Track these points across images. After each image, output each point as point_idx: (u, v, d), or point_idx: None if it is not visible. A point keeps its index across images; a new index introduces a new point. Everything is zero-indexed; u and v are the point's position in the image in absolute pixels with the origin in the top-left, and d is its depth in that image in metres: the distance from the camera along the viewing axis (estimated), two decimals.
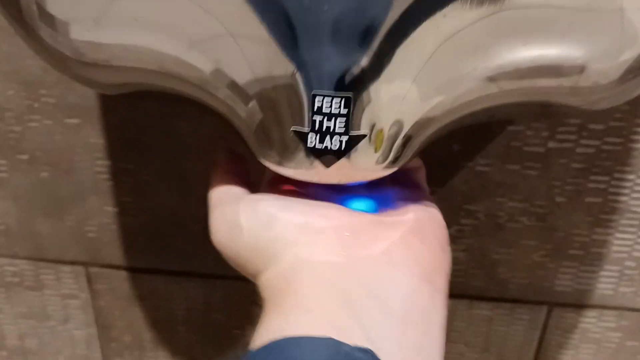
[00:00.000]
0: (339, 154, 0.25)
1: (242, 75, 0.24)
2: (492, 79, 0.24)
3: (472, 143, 0.41)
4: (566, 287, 0.46)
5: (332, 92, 0.23)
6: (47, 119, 0.43)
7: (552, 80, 0.26)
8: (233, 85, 0.25)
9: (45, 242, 0.48)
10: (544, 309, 0.47)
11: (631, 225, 0.43)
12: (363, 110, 0.24)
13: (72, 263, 0.49)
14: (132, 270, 0.49)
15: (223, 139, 0.35)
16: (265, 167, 0.32)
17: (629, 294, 0.45)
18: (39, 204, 0.46)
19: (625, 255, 0.44)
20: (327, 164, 0.25)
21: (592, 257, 0.44)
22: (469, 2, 0.22)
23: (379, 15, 0.22)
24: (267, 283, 0.26)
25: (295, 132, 0.25)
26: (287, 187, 0.29)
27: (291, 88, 0.24)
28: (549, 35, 0.24)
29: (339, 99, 0.23)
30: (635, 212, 0.42)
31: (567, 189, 0.42)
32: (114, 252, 0.48)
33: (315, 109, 0.24)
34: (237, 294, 0.49)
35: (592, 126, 0.40)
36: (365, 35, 0.23)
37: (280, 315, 0.24)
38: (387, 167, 0.26)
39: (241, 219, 0.27)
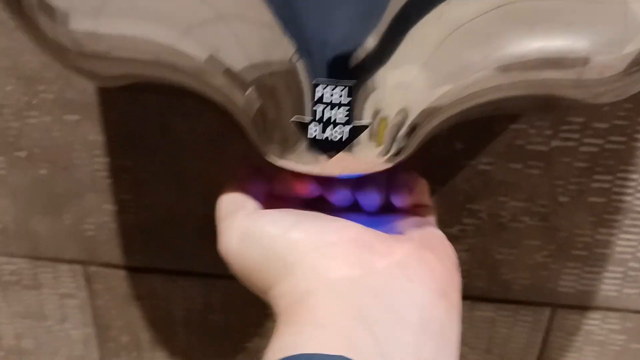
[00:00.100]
0: (341, 145, 0.24)
1: (238, 61, 0.24)
2: (501, 68, 0.24)
3: (475, 141, 0.40)
4: (569, 288, 0.45)
5: (334, 81, 0.23)
6: (46, 115, 0.42)
7: (557, 71, 0.25)
8: (229, 73, 0.24)
9: (42, 241, 0.48)
10: (547, 311, 0.46)
11: (635, 226, 0.42)
12: (366, 99, 0.23)
13: (70, 262, 0.48)
14: (131, 269, 0.48)
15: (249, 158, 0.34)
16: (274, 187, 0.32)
17: (633, 296, 0.45)
18: (36, 201, 0.46)
19: (629, 256, 0.44)
20: (329, 155, 0.25)
21: (595, 257, 0.44)
22: None
23: None
24: (280, 296, 0.25)
25: (296, 122, 0.24)
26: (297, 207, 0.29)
27: (290, 75, 0.23)
28: (554, 26, 0.24)
29: (341, 87, 0.23)
30: (639, 212, 0.42)
31: (570, 189, 0.41)
32: (112, 251, 0.47)
33: (316, 99, 0.23)
34: (236, 294, 0.48)
35: (596, 124, 0.39)
36: (373, 15, 0.22)
37: (294, 330, 0.23)
38: (390, 159, 0.26)
39: (254, 229, 0.26)
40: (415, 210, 0.33)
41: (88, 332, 0.52)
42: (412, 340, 0.23)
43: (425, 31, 0.22)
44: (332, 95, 0.23)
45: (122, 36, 0.25)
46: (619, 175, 0.41)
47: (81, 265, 0.48)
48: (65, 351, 0.53)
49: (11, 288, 0.50)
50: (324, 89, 0.23)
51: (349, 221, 0.27)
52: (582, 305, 0.46)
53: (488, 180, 0.42)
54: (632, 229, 0.42)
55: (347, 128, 0.24)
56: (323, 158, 0.25)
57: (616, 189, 0.41)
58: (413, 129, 0.25)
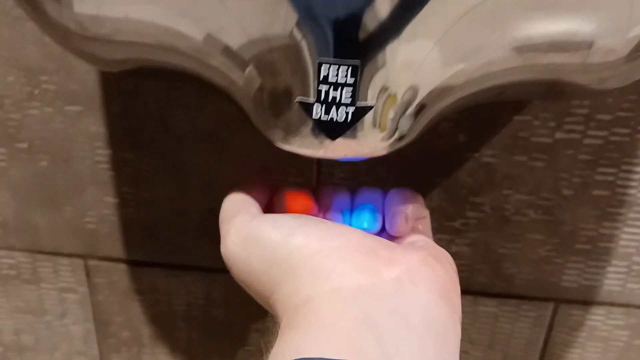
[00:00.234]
0: (345, 126, 0.24)
1: (236, 38, 0.23)
2: (515, 50, 0.24)
3: (478, 133, 0.40)
4: (573, 283, 0.45)
5: (338, 60, 0.23)
6: (47, 107, 0.42)
7: (562, 55, 0.25)
8: (227, 51, 0.24)
9: (42, 234, 0.47)
10: (550, 306, 0.46)
11: (639, 219, 0.42)
12: (373, 78, 0.23)
13: (70, 256, 0.48)
14: (131, 263, 0.48)
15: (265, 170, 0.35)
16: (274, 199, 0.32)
17: (637, 291, 0.45)
18: (37, 194, 0.46)
19: (633, 250, 0.43)
20: (333, 137, 0.24)
21: (599, 251, 0.43)
22: None
23: None
24: (283, 300, 0.25)
25: (300, 103, 0.24)
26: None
27: (292, 52, 0.23)
28: (560, 8, 0.24)
29: (346, 67, 0.23)
30: None
31: (574, 182, 0.41)
32: (113, 245, 0.47)
33: (321, 78, 0.23)
34: (238, 289, 0.48)
35: (600, 116, 0.39)
36: None
37: (298, 334, 0.23)
38: (393, 143, 0.26)
39: (257, 232, 0.26)
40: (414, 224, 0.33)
41: (88, 328, 0.52)
42: (416, 343, 0.23)
43: (442, 6, 0.22)
44: (337, 74, 0.23)
45: (123, 18, 0.25)
46: (623, 167, 0.40)
47: (81, 259, 0.48)
48: (65, 347, 0.53)
49: (10, 282, 0.50)
50: (328, 68, 0.23)
51: (351, 227, 0.27)
52: (586, 300, 0.45)
53: (492, 173, 0.41)
54: (636, 223, 0.42)
55: (352, 109, 0.24)
56: (327, 140, 0.25)
57: (620, 182, 0.41)
58: (420, 109, 0.25)
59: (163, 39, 0.25)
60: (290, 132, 0.25)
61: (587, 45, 0.25)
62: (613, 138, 0.40)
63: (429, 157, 0.41)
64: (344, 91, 0.23)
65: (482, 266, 0.45)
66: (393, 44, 0.23)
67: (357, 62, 0.23)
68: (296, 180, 0.43)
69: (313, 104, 0.24)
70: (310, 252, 0.25)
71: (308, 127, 0.24)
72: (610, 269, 0.44)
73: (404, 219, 0.30)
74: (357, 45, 0.22)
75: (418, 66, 0.23)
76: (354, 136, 0.25)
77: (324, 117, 0.24)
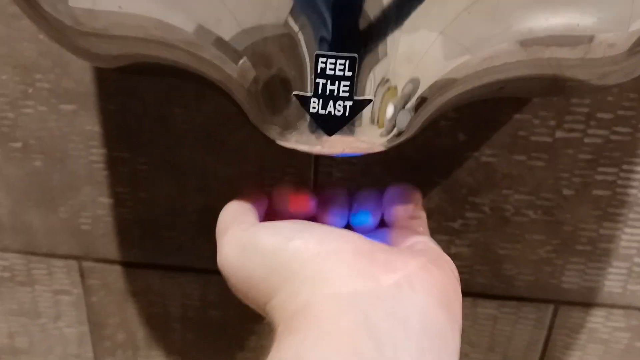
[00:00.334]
0: (343, 120, 0.24)
1: (228, 29, 0.23)
2: (519, 43, 0.23)
3: (478, 132, 0.40)
4: (573, 284, 0.44)
5: (336, 53, 0.22)
6: (42, 105, 0.42)
7: (563, 49, 0.25)
8: (220, 43, 0.23)
9: (37, 235, 0.47)
10: (551, 308, 0.45)
11: None
12: (371, 70, 0.23)
13: (64, 257, 0.47)
14: (126, 264, 0.47)
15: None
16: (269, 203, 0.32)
17: (638, 292, 0.44)
18: (31, 194, 0.45)
19: (634, 251, 0.43)
20: (330, 132, 0.24)
21: (600, 252, 0.43)
22: None
23: None
24: (280, 306, 0.25)
25: (296, 96, 0.23)
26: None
27: (288, 43, 0.22)
28: (561, 1, 0.23)
29: (343, 59, 0.22)
30: None
31: (575, 181, 0.41)
32: (108, 246, 0.47)
33: (318, 71, 0.23)
34: None
35: (601, 115, 0.39)
36: None
37: (297, 338, 0.23)
38: (393, 138, 0.25)
39: (254, 241, 0.26)
40: (408, 222, 0.32)
41: (83, 330, 0.51)
42: (415, 348, 0.22)
43: None
44: (334, 67, 0.22)
45: (116, 12, 0.25)
46: (624, 167, 0.40)
47: (76, 261, 0.48)
48: (59, 350, 0.52)
49: (5, 284, 0.49)
50: (326, 60, 0.22)
51: (348, 231, 0.26)
52: (586, 302, 0.45)
53: (491, 172, 0.41)
54: (637, 223, 0.42)
55: (349, 103, 0.23)
56: (324, 135, 0.24)
57: (621, 182, 0.41)
58: (420, 103, 0.24)
59: (155, 32, 0.24)
60: (287, 127, 0.25)
61: (588, 39, 0.24)
62: (614, 137, 0.39)
63: (428, 157, 0.41)
64: (341, 84, 0.23)
65: (481, 267, 0.45)
66: (394, 35, 0.22)
67: (357, 52, 0.22)
68: (294, 180, 0.42)
69: (310, 97, 0.23)
70: (309, 256, 0.25)
71: (305, 122, 0.24)
72: (611, 270, 0.44)
73: (401, 203, 0.31)
74: (357, 37, 0.22)
75: (419, 58, 0.23)
76: (351, 131, 0.24)
77: (321, 111, 0.23)
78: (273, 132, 0.25)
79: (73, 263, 0.48)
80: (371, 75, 0.23)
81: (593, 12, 0.24)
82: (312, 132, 0.24)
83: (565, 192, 0.41)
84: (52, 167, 0.44)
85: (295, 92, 0.23)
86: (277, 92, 0.24)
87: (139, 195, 0.44)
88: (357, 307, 0.23)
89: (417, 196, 0.33)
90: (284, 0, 0.21)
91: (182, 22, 0.23)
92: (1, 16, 0.39)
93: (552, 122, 0.39)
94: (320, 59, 0.22)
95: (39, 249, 0.47)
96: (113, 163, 0.43)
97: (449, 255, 0.44)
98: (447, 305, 0.25)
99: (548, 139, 0.40)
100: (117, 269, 0.48)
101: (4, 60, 0.40)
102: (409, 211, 0.32)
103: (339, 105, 0.23)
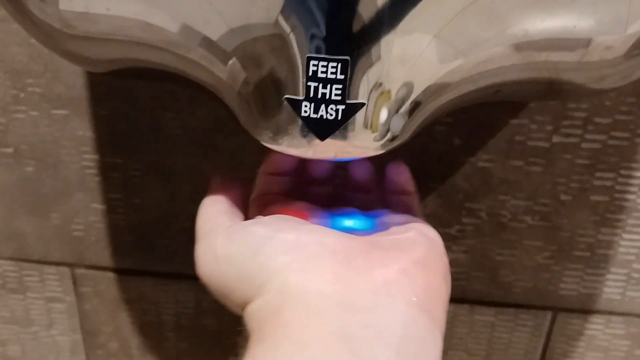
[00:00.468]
0: (336, 124, 0.23)
1: (215, 28, 0.22)
2: (513, 47, 0.23)
3: (474, 137, 0.39)
4: (571, 291, 0.44)
5: (327, 56, 0.22)
6: (33, 110, 0.41)
7: (560, 53, 0.24)
8: (207, 43, 0.23)
9: (29, 242, 0.46)
10: (549, 315, 0.45)
11: (639, 225, 0.41)
12: (364, 73, 0.22)
13: (56, 264, 0.47)
14: (120, 271, 0.47)
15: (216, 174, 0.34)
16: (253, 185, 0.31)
17: (637, 299, 0.44)
18: (23, 200, 0.45)
19: (633, 257, 0.42)
20: (322, 136, 0.23)
21: (598, 259, 0.43)
22: None
23: None
24: (253, 312, 0.24)
25: (287, 100, 0.23)
26: (278, 209, 0.28)
27: (277, 42, 0.22)
28: (557, 4, 0.23)
29: (336, 62, 0.22)
30: None
31: (572, 187, 0.40)
32: (101, 253, 0.46)
33: (310, 74, 0.22)
34: None
35: (598, 120, 0.38)
36: None
37: (269, 348, 0.22)
38: (387, 143, 0.25)
39: (227, 247, 0.26)
40: (400, 198, 0.32)
41: (76, 339, 0.50)
42: (393, 356, 0.22)
43: (441, 0, 0.21)
44: (326, 70, 0.22)
45: (105, 14, 0.24)
46: (622, 172, 0.40)
47: (68, 268, 0.47)
48: (52, 359, 0.52)
49: None
50: (317, 63, 0.22)
51: (328, 231, 0.25)
52: (585, 309, 0.44)
53: (488, 178, 0.41)
54: (636, 229, 0.41)
55: (342, 107, 0.23)
56: (316, 139, 0.24)
57: (619, 187, 0.40)
58: (415, 107, 0.24)
59: (142, 34, 0.24)
60: (278, 131, 0.24)
61: (584, 42, 0.24)
62: (612, 142, 0.39)
63: (424, 162, 0.40)
64: (333, 88, 0.22)
65: (478, 274, 0.44)
66: (388, 37, 0.22)
67: (347, 57, 0.22)
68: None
69: (302, 101, 0.23)
70: (279, 265, 0.24)
71: (297, 126, 0.23)
72: (609, 276, 0.43)
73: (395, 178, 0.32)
74: (349, 39, 0.22)
75: (413, 62, 0.22)
76: (344, 136, 0.24)
77: (312, 115, 0.23)
78: (264, 137, 0.25)
79: (65, 270, 0.47)
80: (364, 78, 0.22)
81: (590, 14, 0.23)
82: (304, 136, 0.24)
83: (563, 197, 0.41)
84: (44, 173, 0.43)
85: (286, 96, 0.23)
86: (268, 94, 0.23)
87: (132, 202, 0.44)
88: (330, 316, 0.22)
89: (405, 167, 0.33)
90: None
91: (168, 22, 0.23)
92: None
93: (549, 127, 0.39)
94: (312, 62, 0.22)
95: (31, 256, 0.47)
96: (105, 169, 0.43)
97: None
98: (430, 310, 0.24)
99: (545, 144, 0.39)
100: (110, 276, 0.47)
101: None
102: (402, 185, 0.32)
103: (331, 109, 0.23)
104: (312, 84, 0.22)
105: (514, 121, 0.39)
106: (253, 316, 0.24)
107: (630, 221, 0.41)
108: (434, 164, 0.40)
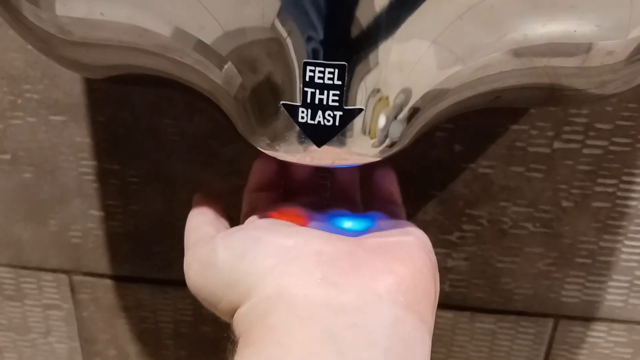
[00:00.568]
0: (333, 131, 0.23)
1: (209, 31, 0.22)
2: (512, 52, 0.23)
3: (474, 143, 0.39)
4: (573, 298, 0.43)
5: (324, 62, 0.21)
6: (31, 117, 0.41)
7: (560, 58, 0.24)
8: (201, 46, 0.23)
9: (26, 248, 0.46)
10: (550, 322, 0.44)
11: None
12: (362, 79, 0.22)
13: (54, 271, 0.47)
14: (118, 278, 0.46)
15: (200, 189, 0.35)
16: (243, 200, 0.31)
17: (639, 307, 0.43)
18: (20, 207, 0.44)
19: (635, 264, 0.42)
20: (320, 143, 0.23)
21: (600, 266, 0.42)
22: None
23: None
24: (240, 317, 0.24)
25: (284, 105, 0.23)
26: (267, 212, 0.28)
27: (274, 46, 0.21)
28: (557, 9, 0.23)
29: (333, 68, 0.22)
30: None
31: (574, 193, 0.40)
32: (99, 260, 0.46)
33: (306, 79, 0.22)
34: None
35: (599, 125, 0.38)
36: None
37: (254, 352, 0.22)
38: (385, 149, 0.24)
39: (214, 256, 0.26)
40: (387, 207, 0.32)
41: (73, 346, 0.50)
42: (380, 357, 0.21)
43: (439, 5, 0.21)
44: (323, 76, 0.22)
45: (99, 20, 0.24)
46: (624, 178, 0.39)
47: (66, 275, 0.47)
48: None
49: None
50: (314, 68, 0.22)
51: (313, 232, 0.25)
52: (587, 316, 0.44)
53: (488, 184, 0.40)
54: (638, 236, 0.41)
55: (339, 113, 0.22)
56: (313, 146, 0.23)
57: (621, 194, 0.40)
58: (413, 113, 0.23)
59: (136, 39, 0.23)
60: (275, 138, 0.24)
61: (585, 47, 0.24)
62: (613, 148, 0.38)
63: (424, 168, 0.40)
64: (330, 94, 0.22)
65: (479, 281, 0.44)
66: (386, 43, 0.21)
67: (344, 63, 0.21)
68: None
69: (298, 107, 0.22)
70: (265, 270, 0.24)
71: (294, 133, 0.23)
72: (611, 283, 0.43)
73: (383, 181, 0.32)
74: (347, 45, 0.21)
75: (411, 68, 0.22)
76: (342, 142, 0.23)
77: (310, 121, 0.23)
78: (262, 143, 0.24)
79: (63, 277, 0.47)
80: (362, 84, 0.22)
81: (591, 19, 0.23)
82: (301, 142, 0.23)
83: (564, 204, 0.40)
84: (41, 180, 0.43)
85: (283, 101, 0.23)
86: (264, 100, 0.23)
87: (129, 208, 0.44)
88: (316, 318, 0.22)
89: (394, 178, 0.33)
90: (270, 1, 0.21)
91: (162, 26, 0.22)
92: None
93: (550, 133, 0.38)
94: (309, 67, 0.22)
95: (28, 263, 0.47)
96: (103, 175, 0.43)
97: (446, 269, 0.43)
98: (418, 309, 0.24)
99: (546, 150, 0.39)
100: (108, 283, 0.47)
101: None
102: (389, 192, 0.32)
103: (329, 115, 0.22)
104: (309, 90, 0.22)
105: (515, 127, 0.38)
106: (240, 321, 0.24)
107: (632, 228, 0.41)
108: (434, 171, 0.40)
